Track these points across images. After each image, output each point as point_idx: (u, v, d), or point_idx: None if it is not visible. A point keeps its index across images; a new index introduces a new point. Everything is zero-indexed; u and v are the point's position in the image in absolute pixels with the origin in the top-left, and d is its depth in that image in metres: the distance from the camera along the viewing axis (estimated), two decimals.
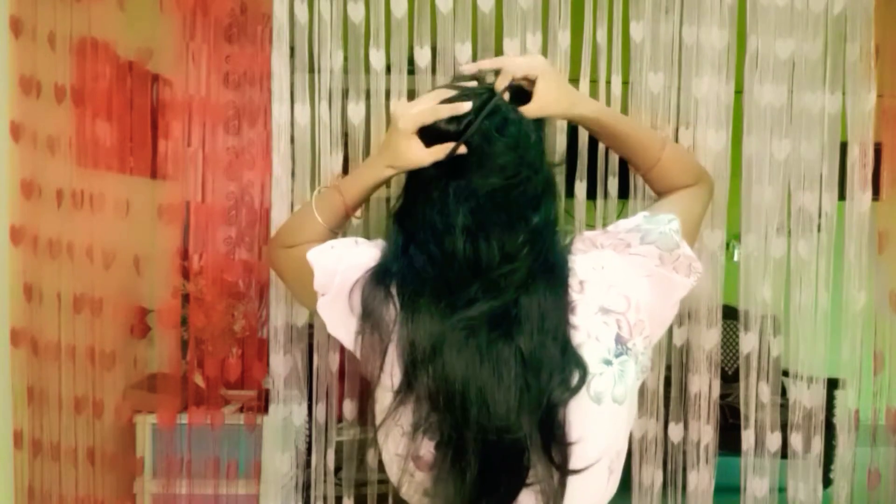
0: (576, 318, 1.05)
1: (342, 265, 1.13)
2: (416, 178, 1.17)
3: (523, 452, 1.00)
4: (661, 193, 1.32)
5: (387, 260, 1.11)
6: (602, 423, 1.04)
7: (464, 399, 0.99)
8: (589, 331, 1.04)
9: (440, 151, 1.13)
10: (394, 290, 1.06)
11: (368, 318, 1.06)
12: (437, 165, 1.13)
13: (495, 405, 0.99)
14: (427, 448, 1.03)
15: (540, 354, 1.01)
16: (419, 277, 1.05)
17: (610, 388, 1.04)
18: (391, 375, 1.04)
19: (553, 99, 1.17)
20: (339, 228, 1.31)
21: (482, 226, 1.07)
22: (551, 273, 1.06)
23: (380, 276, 1.08)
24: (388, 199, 1.77)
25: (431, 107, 1.14)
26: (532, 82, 1.20)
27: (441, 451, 1.01)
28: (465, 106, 1.12)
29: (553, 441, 1.00)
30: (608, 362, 1.04)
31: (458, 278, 1.04)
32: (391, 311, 1.05)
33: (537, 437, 0.99)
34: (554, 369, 1.00)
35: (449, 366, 1.00)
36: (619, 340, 1.06)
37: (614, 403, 1.04)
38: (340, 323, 1.12)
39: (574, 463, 1.01)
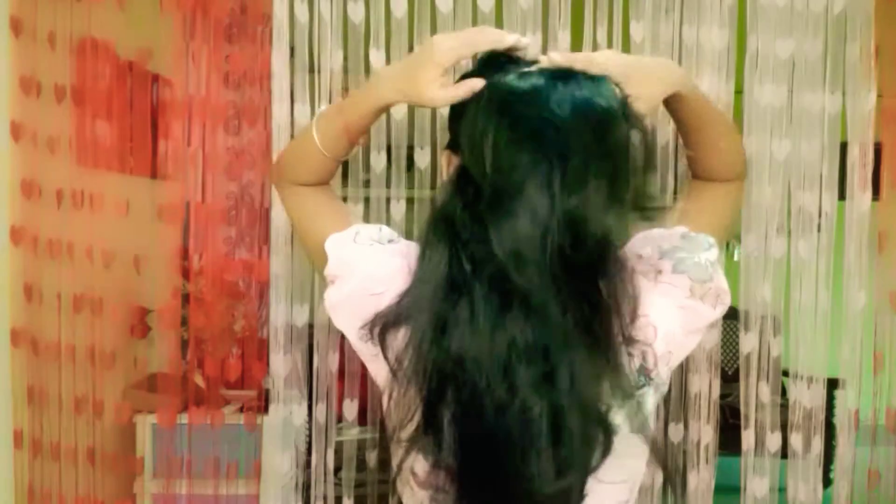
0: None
1: (358, 267, 1.06)
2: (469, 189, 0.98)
3: None
4: (697, 176, 1.22)
5: (422, 300, 0.97)
6: (618, 457, 0.99)
7: (497, 465, 0.95)
8: (611, 362, 0.98)
9: (460, 90, 1.00)
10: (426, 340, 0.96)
11: (397, 371, 0.98)
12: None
13: (523, 463, 0.95)
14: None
15: (572, 412, 0.93)
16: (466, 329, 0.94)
17: (628, 421, 1.01)
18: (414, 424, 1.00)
19: (652, 99, 1.05)
20: (342, 157, 1.18)
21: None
22: (593, 332, 0.96)
23: (417, 322, 0.97)
24: (388, 200, 1.77)
25: (470, 38, 1.03)
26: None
27: (456, 495, 0.99)
28: (509, 38, 1.00)
29: (570, 500, 0.96)
30: (629, 395, 1.01)
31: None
32: (417, 361, 0.97)
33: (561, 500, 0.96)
34: (584, 431, 0.94)
35: (484, 425, 0.94)
36: (642, 371, 1.00)
37: (632, 434, 1.01)
38: (347, 325, 1.08)
39: None
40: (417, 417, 0.98)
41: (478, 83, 0.99)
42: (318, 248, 1.12)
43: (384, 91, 1.08)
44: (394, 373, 0.99)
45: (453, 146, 1.04)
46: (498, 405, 0.93)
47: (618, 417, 0.99)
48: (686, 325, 1.06)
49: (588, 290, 0.95)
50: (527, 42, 1.02)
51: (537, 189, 0.91)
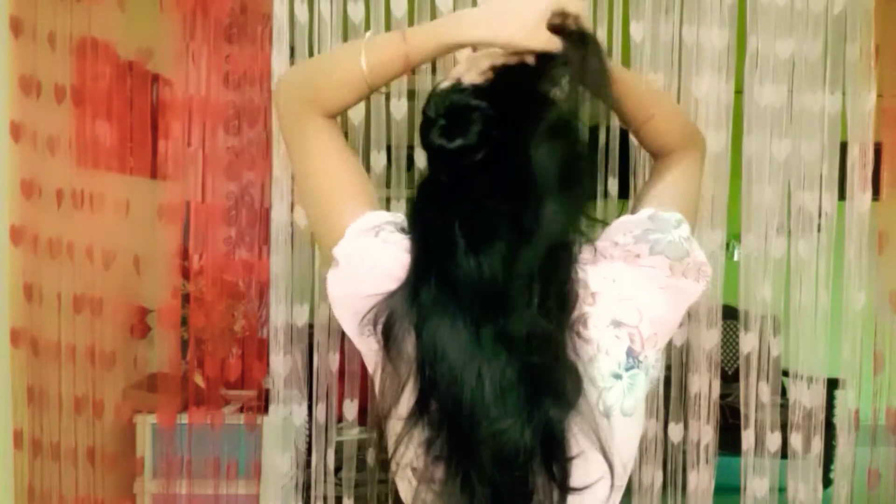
0: (587, 332, 1.02)
1: (370, 262, 1.06)
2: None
3: (528, 472, 0.99)
4: (654, 154, 1.24)
5: (409, 287, 1.02)
6: (610, 438, 1.03)
7: (472, 421, 0.98)
8: (600, 344, 1.02)
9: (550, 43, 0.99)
10: (414, 320, 1.01)
11: (393, 356, 1.01)
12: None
13: (501, 425, 0.98)
14: (438, 473, 1.02)
15: (540, 372, 0.98)
16: (444, 308, 1.00)
17: (619, 402, 1.03)
18: (406, 405, 1.03)
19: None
20: (380, 86, 1.08)
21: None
22: (562, 292, 1.02)
23: (403, 309, 1.01)
24: (387, 200, 1.77)
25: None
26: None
27: (450, 476, 1.01)
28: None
29: (554, 459, 0.99)
30: (618, 376, 1.03)
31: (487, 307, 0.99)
32: (411, 345, 1.01)
33: (539, 454, 0.98)
34: (551, 387, 0.98)
35: (462, 390, 0.99)
36: (630, 353, 1.03)
37: (624, 416, 1.03)
38: (348, 319, 1.10)
39: (575, 480, 1.01)
40: (410, 407, 1.00)
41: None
42: (334, 223, 1.08)
43: (468, 29, 1.02)
44: (392, 363, 1.01)
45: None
46: (475, 376, 0.97)
47: (609, 399, 1.01)
48: (672, 305, 1.08)
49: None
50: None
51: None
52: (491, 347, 0.98)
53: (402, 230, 1.10)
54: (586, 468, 1.01)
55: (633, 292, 1.06)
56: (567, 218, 1.04)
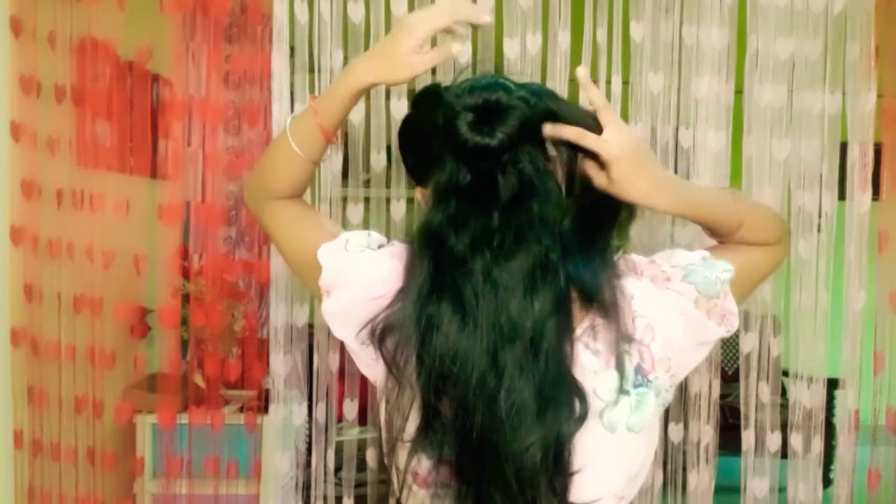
0: (597, 344, 1.02)
1: (355, 274, 1.07)
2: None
3: (536, 488, 0.98)
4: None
5: (409, 306, 1.01)
6: (614, 453, 1.02)
7: (486, 440, 0.98)
8: (608, 359, 1.02)
9: (438, 56, 1.04)
10: (419, 335, 1.00)
11: (397, 376, 1.01)
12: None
13: (522, 446, 0.97)
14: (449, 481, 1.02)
15: (551, 386, 0.97)
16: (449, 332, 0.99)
17: (625, 418, 1.01)
18: (414, 421, 1.02)
19: (626, 187, 1.01)
20: (318, 158, 1.18)
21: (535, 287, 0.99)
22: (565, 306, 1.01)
23: (409, 321, 1.00)
24: (388, 200, 1.78)
25: (444, 8, 1.03)
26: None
27: (458, 488, 1.01)
28: (487, 18, 1.04)
29: (557, 472, 0.99)
30: (625, 392, 1.01)
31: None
32: (414, 364, 1.00)
33: (545, 468, 0.98)
34: (562, 401, 0.97)
35: (476, 407, 0.97)
36: (639, 371, 1.02)
37: (629, 432, 1.02)
38: (347, 332, 1.09)
39: (576, 494, 1.00)
40: (417, 418, 0.99)
41: (454, 48, 1.05)
42: (309, 260, 1.12)
43: (359, 74, 1.09)
44: (395, 377, 1.00)
45: (421, 183, 1.08)
46: (489, 394, 0.97)
47: (614, 414, 1.00)
48: (688, 334, 1.05)
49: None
50: (490, 21, 1.05)
51: None
52: (509, 367, 0.97)
53: (380, 246, 1.12)
54: (589, 482, 1.00)
55: (649, 310, 1.03)
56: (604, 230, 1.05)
